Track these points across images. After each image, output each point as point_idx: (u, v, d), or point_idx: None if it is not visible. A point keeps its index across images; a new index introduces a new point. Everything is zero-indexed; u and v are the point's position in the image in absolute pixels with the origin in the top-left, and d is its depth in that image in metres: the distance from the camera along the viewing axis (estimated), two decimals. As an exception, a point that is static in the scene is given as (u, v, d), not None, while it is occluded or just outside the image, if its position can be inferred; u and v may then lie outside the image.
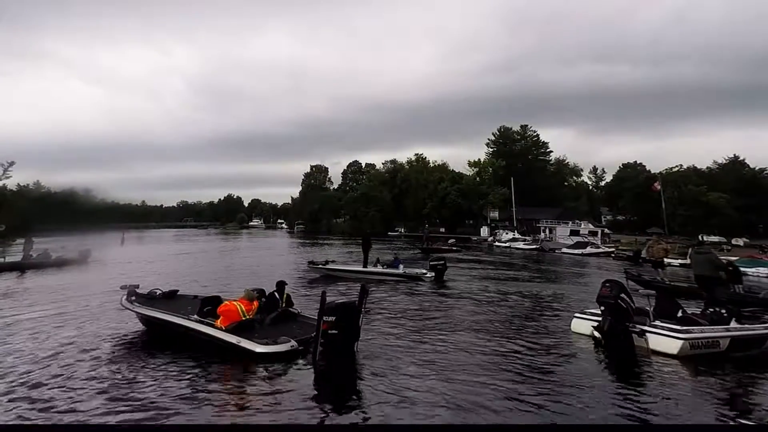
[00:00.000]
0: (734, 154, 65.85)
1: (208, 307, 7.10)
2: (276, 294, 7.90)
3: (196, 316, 6.89)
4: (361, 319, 6.53)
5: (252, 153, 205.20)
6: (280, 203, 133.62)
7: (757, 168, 62.65)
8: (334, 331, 6.01)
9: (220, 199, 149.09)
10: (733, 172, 62.93)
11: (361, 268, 16.00)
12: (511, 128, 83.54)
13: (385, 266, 15.91)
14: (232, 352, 6.17)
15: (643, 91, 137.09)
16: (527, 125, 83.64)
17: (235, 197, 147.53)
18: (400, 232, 68.03)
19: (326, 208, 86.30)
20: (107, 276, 15.18)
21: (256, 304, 7.21)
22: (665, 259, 26.25)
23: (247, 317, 6.80)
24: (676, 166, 66.10)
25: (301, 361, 6.08)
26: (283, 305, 7.78)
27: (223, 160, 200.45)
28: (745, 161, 64.79)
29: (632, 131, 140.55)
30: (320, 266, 15.75)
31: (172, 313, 7.15)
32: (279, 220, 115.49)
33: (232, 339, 6.21)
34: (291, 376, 5.63)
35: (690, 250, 26.10)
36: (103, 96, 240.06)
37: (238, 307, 6.80)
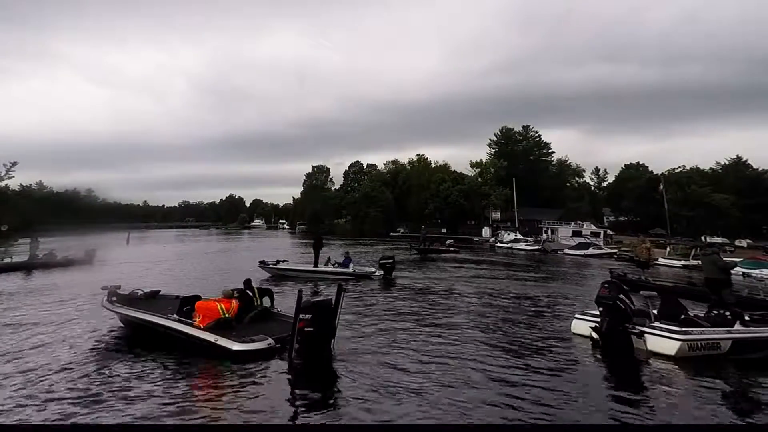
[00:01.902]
0: (737, 155, 65.58)
1: (188, 306, 7.13)
2: (248, 293, 7.94)
3: (175, 316, 6.92)
4: (338, 318, 6.58)
5: (255, 153, 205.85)
6: (281, 203, 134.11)
7: (760, 169, 62.32)
8: (310, 329, 6.06)
9: (221, 200, 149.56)
10: (737, 173, 62.59)
11: (311, 268, 16.08)
12: (512, 129, 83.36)
13: (335, 265, 15.99)
14: (210, 350, 6.20)
15: (649, 91, 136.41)
16: (529, 126, 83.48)
17: (236, 197, 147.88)
18: (402, 232, 67.96)
19: (328, 209, 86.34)
20: (109, 276, 15.14)
21: (235, 302, 7.23)
22: (667, 260, 26.45)
23: (227, 315, 6.84)
24: (679, 167, 65.85)
25: (277, 359, 6.11)
26: (260, 303, 7.84)
27: (226, 161, 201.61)
28: (749, 162, 64.51)
29: (636, 132, 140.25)
30: (271, 266, 15.73)
31: (151, 312, 7.18)
32: (281, 221, 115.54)
33: (210, 337, 6.27)
34: (267, 374, 5.66)
35: (692, 251, 26.35)
36: (107, 96, 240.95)
37: (218, 306, 6.84)
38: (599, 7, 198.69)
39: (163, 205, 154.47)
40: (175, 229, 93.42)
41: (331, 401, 4.99)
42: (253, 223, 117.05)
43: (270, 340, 6.24)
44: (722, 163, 66.83)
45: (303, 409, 4.81)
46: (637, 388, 5.61)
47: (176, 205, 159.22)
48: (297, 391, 5.27)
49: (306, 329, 6.04)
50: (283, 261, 16.28)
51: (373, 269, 15.89)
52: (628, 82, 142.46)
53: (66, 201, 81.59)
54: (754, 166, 63.37)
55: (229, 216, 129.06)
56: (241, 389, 5.19)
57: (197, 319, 6.70)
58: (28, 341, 7.16)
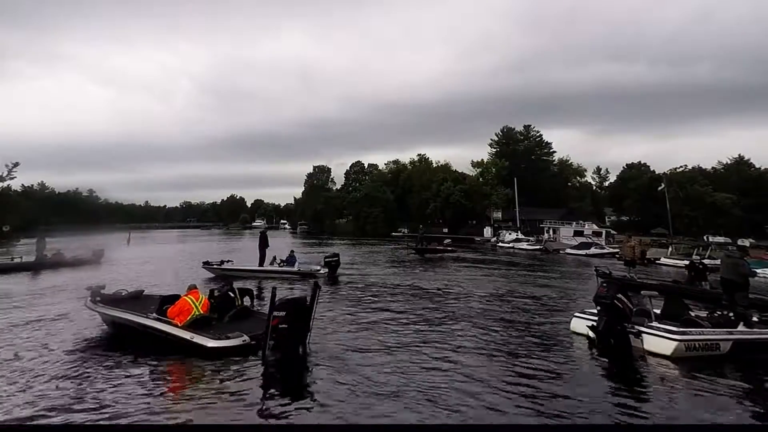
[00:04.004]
0: (739, 154, 65.32)
1: (167, 305, 7.20)
2: (230, 293, 8.02)
3: (154, 315, 7.00)
4: (313, 315, 6.65)
5: (257, 153, 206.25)
6: (283, 204, 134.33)
7: (763, 168, 62.02)
8: (284, 326, 6.16)
9: (223, 200, 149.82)
10: (739, 173, 62.31)
11: (256, 267, 16.01)
12: (513, 128, 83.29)
13: (281, 264, 15.99)
14: (187, 348, 6.28)
15: (655, 90, 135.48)
16: (530, 125, 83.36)
17: (238, 198, 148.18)
18: (404, 232, 67.92)
19: (329, 209, 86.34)
20: (114, 276, 15.26)
21: (203, 295, 7.38)
22: (669, 260, 26.36)
23: (199, 308, 6.93)
24: (681, 167, 65.61)
25: (252, 356, 6.18)
26: (241, 303, 7.93)
27: (229, 161, 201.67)
28: (751, 161, 64.20)
29: (640, 131, 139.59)
30: (215, 266, 15.58)
31: (130, 312, 7.25)
32: (282, 221, 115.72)
33: (186, 335, 6.37)
34: (242, 371, 5.72)
35: (695, 250, 26.26)
36: (111, 97, 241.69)
37: (189, 301, 6.95)
38: (608, 7, 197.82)
39: (165, 206, 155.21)
40: (177, 229, 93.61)
41: (305, 398, 5.00)
42: (254, 223, 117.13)
43: (245, 337, 6.35)
44: (724, 162, 66.65)
45: (271, 404, 4.81)
46: (632, 388, 5.57)
47: (178, 205, 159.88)
48: (268, 387, 5.31)
49: (280, 326, 6.15)
50: (228, 261, 16.16)
51: (318, 267, 15.84)
52: (633, 82, 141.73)
53: (68, 201, 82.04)
54: (756, 166, 63.18)
55: (231, 216, 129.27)
56: (216, 386, 5.22)
57: (175, 319, 6.82)
58: (12, 341, 7.17)
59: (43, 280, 14.98)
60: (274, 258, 16.45)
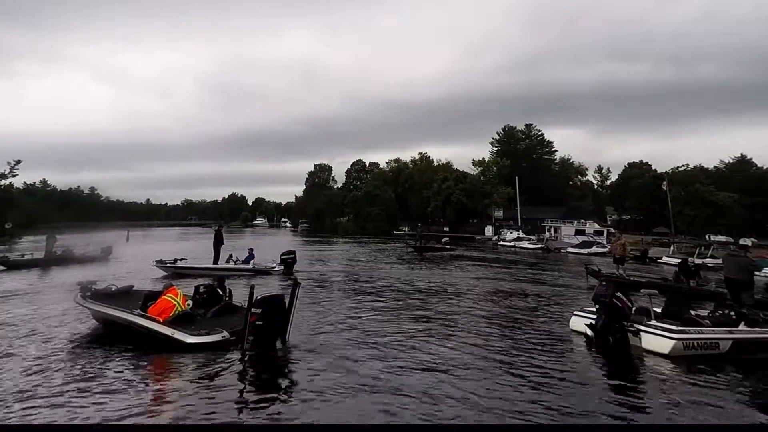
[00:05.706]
0: (741, 154, 65.20)
1: (151, 302, 7.25)
2: (218, 290, 8.12)
3: (138, 311, 7.07)
4: (293, 312, 6.73)
5: (259, 151, 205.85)
6: (284, 202, 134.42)
7: (765, 167, 61.86)
8: (260, 323, 6.27)
9: (224, 198, 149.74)
10: (741, 172, 62.19)
11: (210, 265, 15.92)
12: (515, 127, 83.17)
13: (237, 261, 16.01)
14: (168, 343, 6.36)
15: (657, 90, 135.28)
16: (532, 124, 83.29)
17: (239, 196, 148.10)
18: (404, 231, 67.94)
19: (330, 207, 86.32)
20: (120, 273, 15.35)
21: (180, 290, 7.42)
22: (671, 259, 26.34)
23: (180, 304, 6.98)
24: (683, 166, 65.46)
25: (233, 351, 6.24)
26: (227, 299, 8.03)
27: (230, 159, 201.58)
28: (753, 160, 64.05)
29: (642, 131, 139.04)
30: (168, 264, 15.37)
31: (116, 307, 7.31)
32: (283, 219, 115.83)
33: (167, 331, 6.44)
34: (222, 366, 5.77)
35: (697, 249, 26.22)
36: (114, 95, 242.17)
37: (170, 299, 7.00)
38: (611, 6, 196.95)
39: (166, 204, 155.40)
40: (178, 227, 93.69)
41: (285, 394, 4.99)
42: (255, 222, 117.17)
43: (225, 333, 6.42)
44: (726, 161, 66.51)
45: (253, 402, 4.80)
46: (630, 386, 5.55)
47: (179, 203, 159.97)
48: (249, 384, 5.35)
49: (257, 323, 6.26)
50: (181, 259, 15.97)
51: (273, 264, 15.83)
52: (636, 82, 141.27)
53: (69, 199, 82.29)
54: (759, 165, 63.03)
55: (232, 214, 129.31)
56: (195, 382, 5.23)
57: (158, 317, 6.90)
58: (10, 337, 7.20)
59: (53, 276, 15.07)
60: (230, 256, 16.41)
